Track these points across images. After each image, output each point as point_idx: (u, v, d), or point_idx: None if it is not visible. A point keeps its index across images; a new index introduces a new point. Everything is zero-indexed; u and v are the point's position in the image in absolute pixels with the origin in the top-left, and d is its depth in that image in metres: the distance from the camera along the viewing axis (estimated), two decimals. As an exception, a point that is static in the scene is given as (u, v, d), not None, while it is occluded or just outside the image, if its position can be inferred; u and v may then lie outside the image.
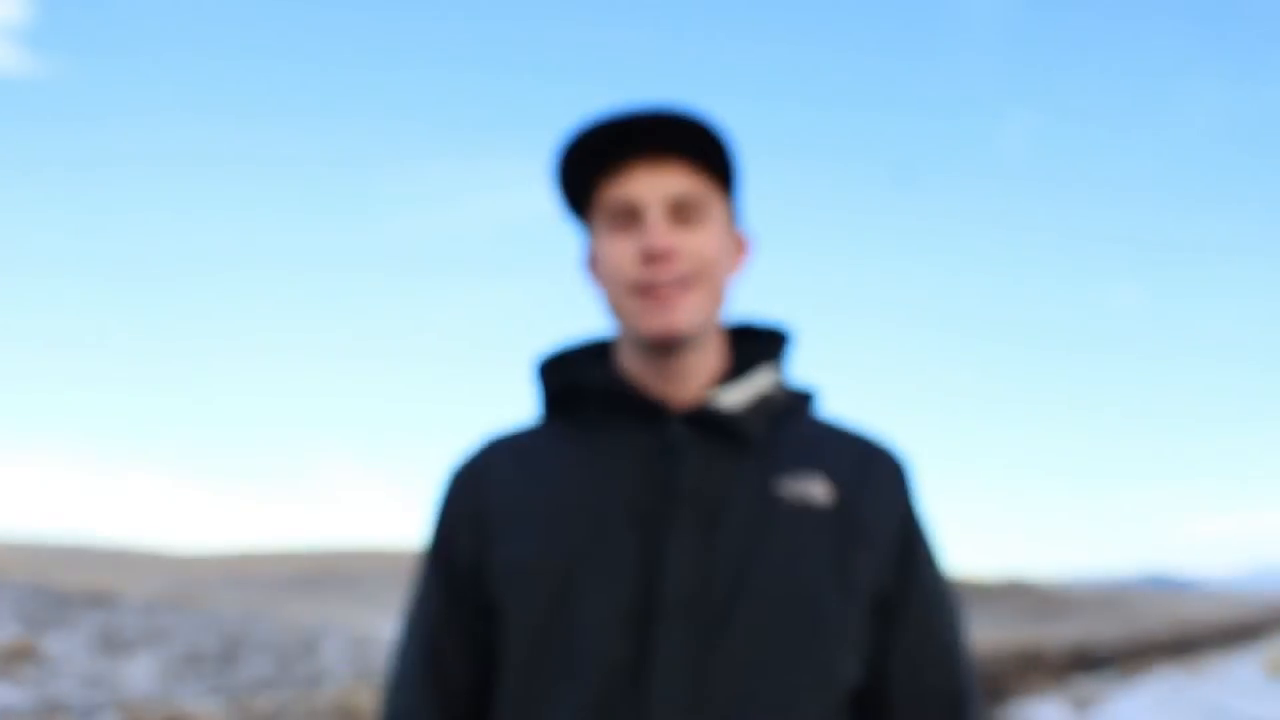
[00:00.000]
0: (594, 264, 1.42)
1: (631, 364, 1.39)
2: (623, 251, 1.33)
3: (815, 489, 1.33)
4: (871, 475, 1.37)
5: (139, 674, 13.15)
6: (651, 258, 1.31)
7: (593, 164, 1.35)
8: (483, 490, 1.37)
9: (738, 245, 1.45)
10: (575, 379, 1.41)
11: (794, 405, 1.43)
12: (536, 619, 1.28)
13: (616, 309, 1.37)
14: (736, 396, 1.37)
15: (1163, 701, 18.65)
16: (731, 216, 1.42)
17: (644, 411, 1.35)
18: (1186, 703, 18.49)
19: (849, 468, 1.36)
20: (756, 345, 1.44)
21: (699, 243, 1.33)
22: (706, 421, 1.34)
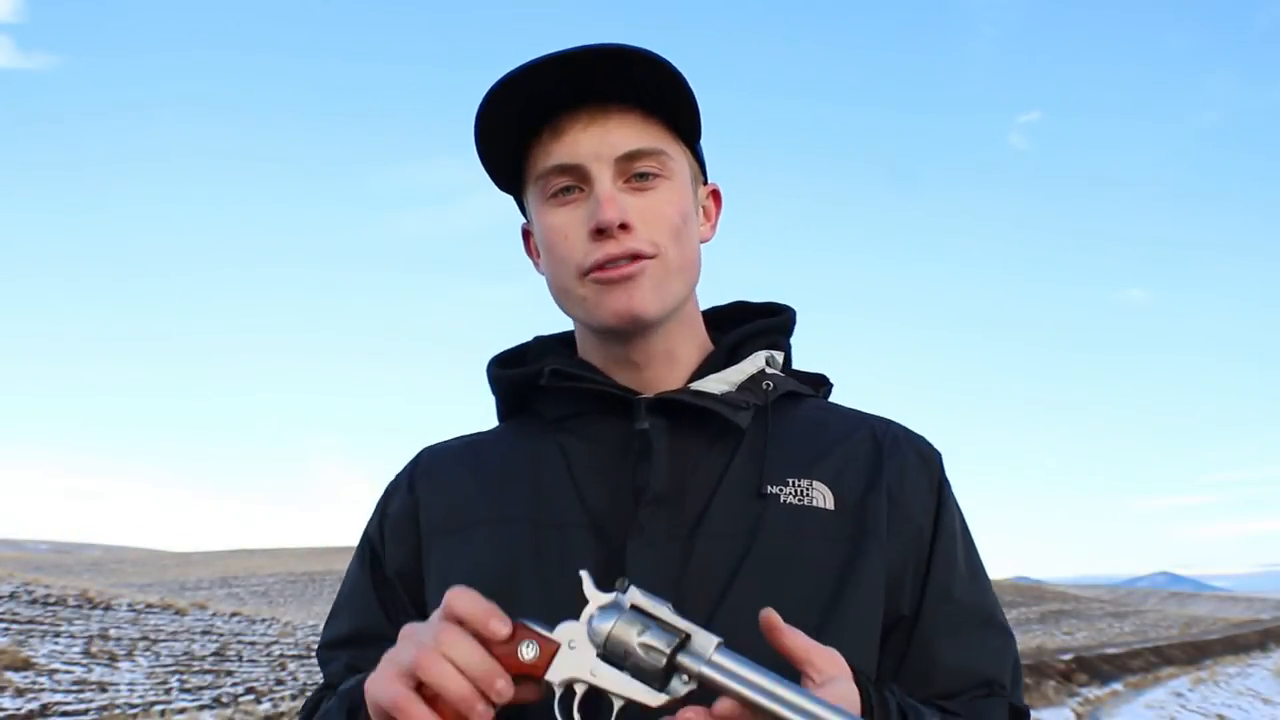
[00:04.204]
0: (534, 245, 1.22)
1: (594, 356, 1.21)
2: (567, 227, 1.13)
3: (817, 487, 1.14)
4: (888, 469, 1.18)
5: (131, 680, 12.94)
6: (603, 232, 1.10)
7: (519, 124, 1.14)
8: (418, 494, 1.21)
9: (707, 202, 1.26)
10: (528, 371, 1.23)
11: (797, 390, 1.24)
12: None
13: (567, 296, 1.17)
14: (721, 381, 1.19)
15: (1172, 706, 18.50)
16: (696, 170, 1.23)
17: (609, 401, 1.16)
18: (1196, 708, 18.35)
19: (861, 461, 1.18)
20: (748, 324, 1.25)
21: (659, 207, 1.13)
22: (683, 410, 1.15)
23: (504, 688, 0.93)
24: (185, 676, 13.61)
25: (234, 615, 22.14)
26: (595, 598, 0.97)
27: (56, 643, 14.70)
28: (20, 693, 11.08)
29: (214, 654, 16.11)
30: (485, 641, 0.94)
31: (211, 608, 23.03)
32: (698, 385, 1.17)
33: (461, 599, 0.94)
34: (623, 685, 0.94)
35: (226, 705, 11.80)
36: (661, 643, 0.93)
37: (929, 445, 1.24)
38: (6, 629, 15.07)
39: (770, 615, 0.91)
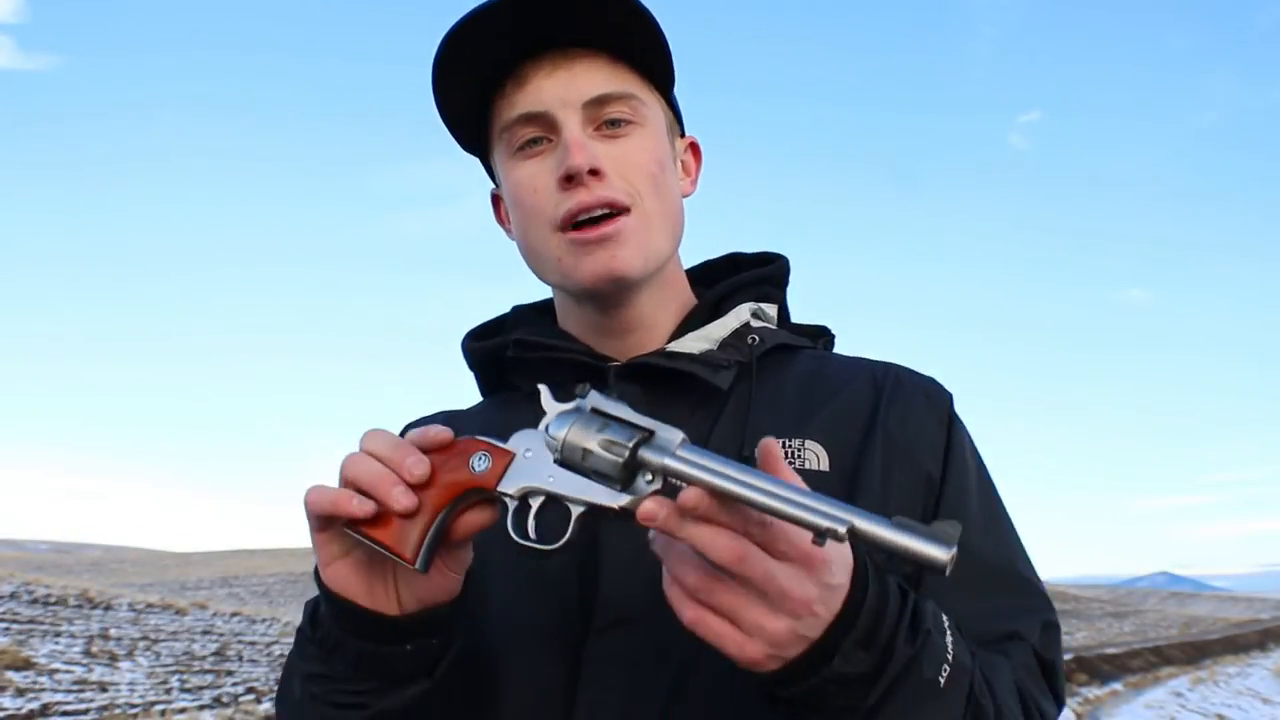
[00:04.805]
0: (505, 210, 1.17)
1: (572, 324, 1.16)
2: (535, 180, 1.07)
3: (810, 447, 1.06)
4: (888, 413, 1.09)
5: (131, 680, 12.94)
6: (573, 179, 1.04)
7: (479, 75, 1.07)
8: None
9: (686, 156, 1.20)
10: (497, 343, 1.18)
11: (791, 343, 1.17)
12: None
13: (540, 258, 1.11)
14: (702, 339, 1.12)
15: (1172, 706, 18.49)
16: (671, 120, 1.17)
17: (582, 371, 1.09)
18: (1196, 707, 18.34)
19: (858, 410, 1.10)
20: (735, 277, 1.19)
21: (633, 154, 1.07)
22: (659, 374, 1.08)
23: (414, 464, 0.88)
24: (186, 676, 13.61)
25: (234, 615, 22.14)
26: (553, 407, 0.91)
27: (57, 642, 14.70)
28: (21, 692, 11.08)
29: (214, 654, 16.11)
30: (436, 459, 0.90)
31: (212, 608, 23.04)
32: (675, 346, 1.12)
33: (413, 431, 0.93)
34: (581, 489, 0.87)
35: (227, 705, 11.80)
36: (622, 438, 0.85)
37: (936, 384, 1.15)
38: (7, 629, 15.07)
39: (770, 444, 0.82)
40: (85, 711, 10.57)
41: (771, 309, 1.20)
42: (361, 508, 0.88)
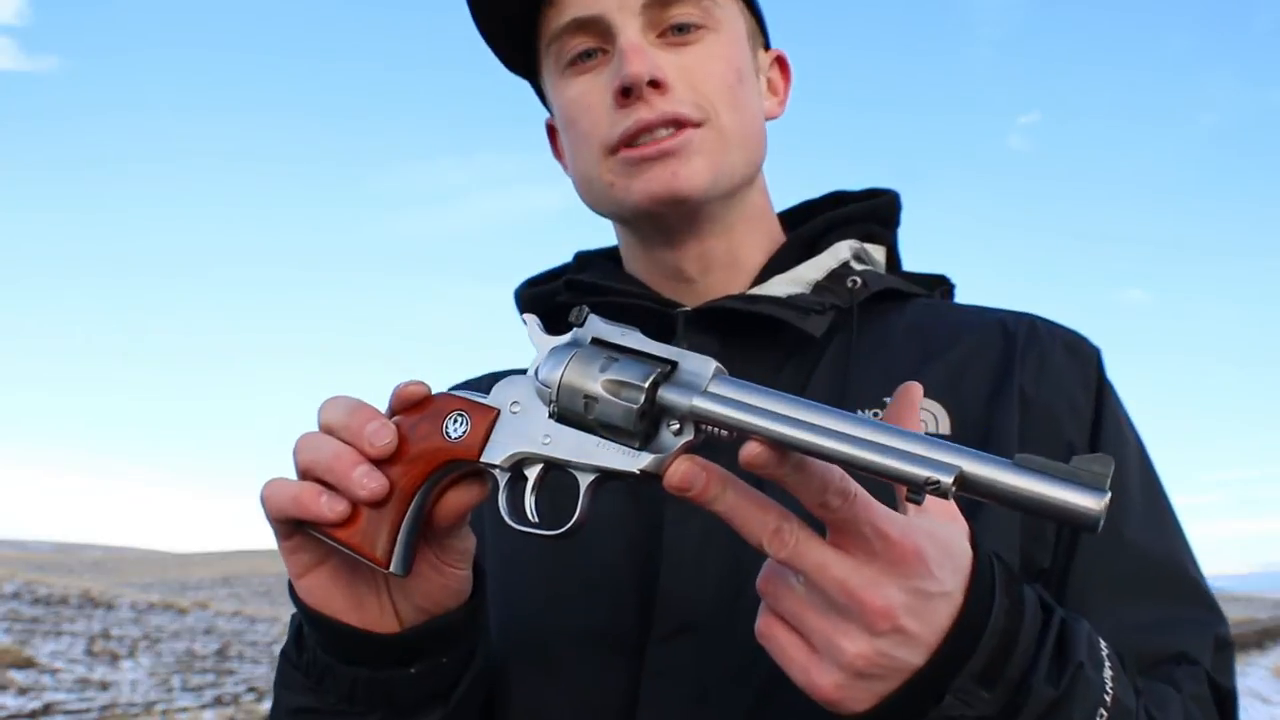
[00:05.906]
0: (557, 134, 1.00)
1: (639, 267, 0.99)
2: (589, 97, 0.90)
3: (925, 405, 0.86)
4: (1023, 366, 0.89)
5: (133, 679, 12.99)
6: (630, 92, 0.87)
7: None
8: None
9: (772, 73, 1.02)
10: (549, 289, 1.01)
11: (900, 289, 0.98)
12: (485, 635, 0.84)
13: (592, 186, 0.93)
14: (790, 282, 0.94)
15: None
16: (754, 27, 0.99)
17: (645, 319, 0.87)
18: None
19: (986, 361, 0.90)
20: (832, 211, 1.01)
21: (704, 63, 0.90)
22: (739, 322, 0.89)
23: (376, 433, 0.68)
24: (187, 675, 13.65)
25: (235, 614, 22.19)
26: (543, 341, 0.70)
27: (59, 642, 14.75)
28: (23, 691, 11.12)
29: (216, 653, 16.16)
30: (405, 424, 0.71)
31: (213, 607, 23.08)
32: (759, 289, 0.94)
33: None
34: (587, 450, 0.65)
35: (228, 704, 11.84)
36: (636, 376, 0.63)
37: (1080, 337, 0.94)
38: (9, 628, 15.12)
39: (912, 388, 0.66)
40: (87, 710, 10.62)
41: (879, 252, 1.02)
42: (332, 508, 0.69)
